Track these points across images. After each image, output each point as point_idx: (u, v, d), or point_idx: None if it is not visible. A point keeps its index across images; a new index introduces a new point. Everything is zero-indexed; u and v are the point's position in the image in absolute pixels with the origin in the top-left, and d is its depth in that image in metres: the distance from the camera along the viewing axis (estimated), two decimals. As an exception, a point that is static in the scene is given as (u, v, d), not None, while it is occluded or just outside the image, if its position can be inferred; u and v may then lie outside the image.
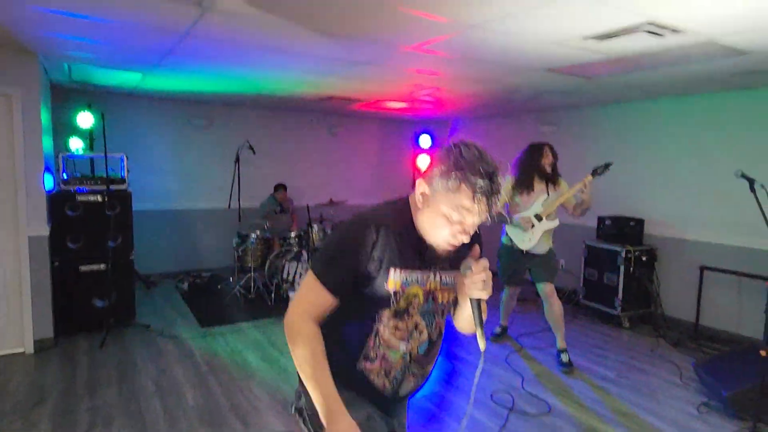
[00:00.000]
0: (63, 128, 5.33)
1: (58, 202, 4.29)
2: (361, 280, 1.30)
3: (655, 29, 2.68)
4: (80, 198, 4.36)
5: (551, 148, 3.98)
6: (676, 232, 5.00)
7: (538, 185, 3.94)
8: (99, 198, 4.43)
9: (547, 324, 4.02)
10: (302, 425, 1.45)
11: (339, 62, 3.81)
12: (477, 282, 1.26)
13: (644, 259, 4.97)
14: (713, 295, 4.67)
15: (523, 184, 3.93)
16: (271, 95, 5.67)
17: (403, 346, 1.37)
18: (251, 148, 6.04)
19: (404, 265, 1.31)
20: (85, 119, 4.98)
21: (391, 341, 1.35)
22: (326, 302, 1.31)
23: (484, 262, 1.27)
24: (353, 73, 4.23)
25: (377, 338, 1.35)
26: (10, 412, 3.08)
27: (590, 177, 3.70)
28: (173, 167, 6.50)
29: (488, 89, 4.84)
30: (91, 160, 5.17)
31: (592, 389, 3.59)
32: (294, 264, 5.40)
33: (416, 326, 1.37)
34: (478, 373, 1.34)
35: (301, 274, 5.42)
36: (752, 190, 3.12)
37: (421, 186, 1.28)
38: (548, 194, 3.92)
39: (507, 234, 4.07)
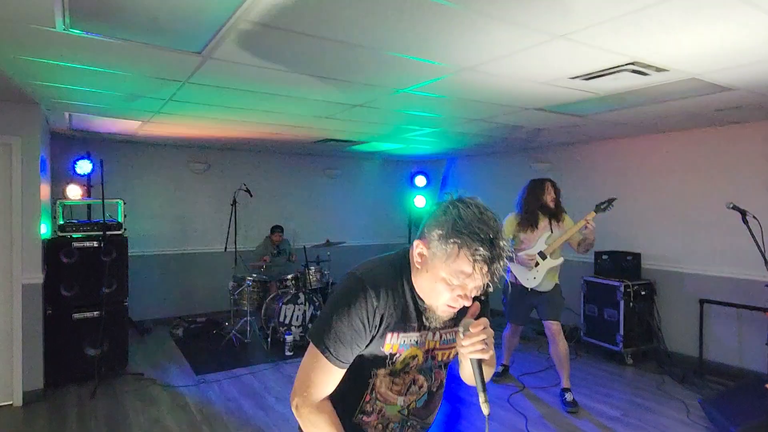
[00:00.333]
0: (61, 175, 5.37)
1: (53, 249, 4.27)
2: (365, 344, 1.26)
3: (639, 68, 2.78)
4: (76, 244, 4.34)
5: (553, 184, 4.00)
6: (674, 266, 5.00)
7: (542, 222, 3.93)
8: (95, 244, 4.41)
9: (549, 362, 3.96)
10: None
11: (334, 105, 3.90)
12: (476, 344, 1.17)
13: (643, 293, 4.94)
14: (715, 329, 4.62)
15: (528, 221, 3.93)
16: (268, 138, 5.76)
17: (400, 401, 1.32)
18: (248, 190, 6.08)
19: (403, 328, 1.26)
20: (84, 167, 5.03)
21: (388, 396, 1.31)
22: (337, 378, 1.25)
23: (484, 322, 1.19)
24: (349, 116, 4.33)
25: (373, 393, 1.30)
26: (-5, 470, 2.95)
27: (593, 213, 3.71)
28: (170, 211, 6.51)
29: (482, 128, 4.95)
30: (89, 205, 5.19)
31: (599, 429, 3.49)
32: (291, 307, 5.33)
33: (414, 381, 1.32)
34: (487, 425, 1.25)
35: (297, 317, 5.35)
36: (744, 221, 3.16)
37: (418, 247, 1.21)
38: (552, 231, 3.91)
39: (511, 271, 4.05)
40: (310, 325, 5.40)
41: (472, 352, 1.17)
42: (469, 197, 1.22)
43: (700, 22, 2.14)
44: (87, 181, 5.32)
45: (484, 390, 1.16)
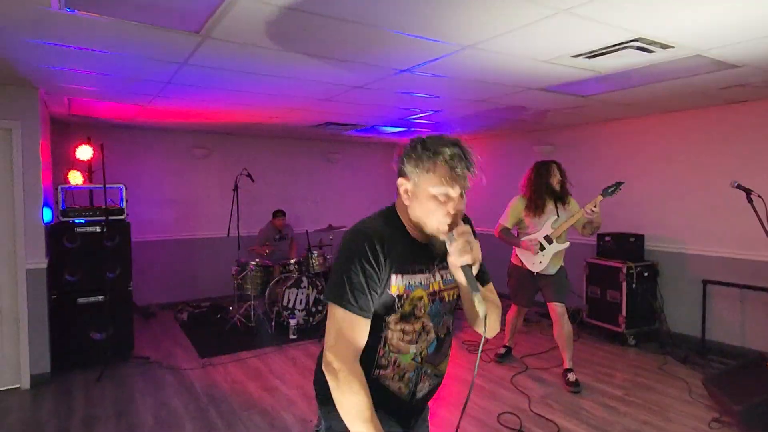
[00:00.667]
0: (62, 160, 5.36)
1: (56, 234, 4.28)
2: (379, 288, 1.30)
3: (644, 45, 2.74)
4: (79, 229, 4.35)
5: (559, 166, 3.95)
6: (677, 247, 4.99)
7: (548, 205, 3.89)
8: (97, 229, 4.42)
9: (552, 344, 3.97)
10: None
11: (334, 87, 3.87)
12: (461, 246, 1.22)
13: (646, 274, 4.94)
14: (717, 309, 4.63)
15: (534, 205, 3.88)
16: (269, 123, 5.73)
17: (412, 349, 1.37)
18: (249, 175, 6.07)
19: (405, 270, 1.32)
20: (85, 152, 5.02)
21: (401, 346, 1.36)
22: (365, 330, 1.28)
23: (463, 227, 1.26)
24: (349, 98, 4.29)
25: (386, 346, 1.35)
26: (5, 450, 3.00)
27: (600, 197, 3.67)
28: (172, 197, 6.51)
29: (484, 110, 4.91)
30: (90, 191, 5.19)
31: (601, 408, 3.52)
32: (294, 291, 5.36)
33: (423, 327, 1.37)
34: (482, 342, 1.30)
35: (301, 301, 5.38)
36: (749, 200, 3.13)
37: (402, 185, 1.32)
38: (558, 214, 3.88)
39: (517, 255, 4.03)
40: (313, 309, 5.44)
41: (459, 257, 1.22)
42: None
43: (706, -6, 2.10)
44: (88, 167, 5.32)
45: (478, 290, 1.22)
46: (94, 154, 5.06)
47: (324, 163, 7.68)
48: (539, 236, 3.87)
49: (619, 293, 4.90)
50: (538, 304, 4.52)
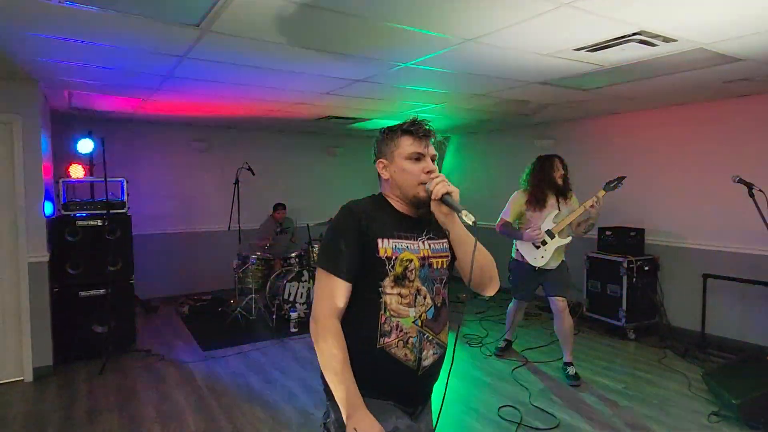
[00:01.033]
0: (63, 154, 5.36)
1: (57, 228, 4.29)
2: (361, 257, 1.43)
3: (647, 38, 2.72)
4: (80, 223, 4.36)
5: (562, 161, 3.92)
6: (677, 241, 4.99)
7: (550, 200, 3.87)
8: (99, 223, 4.43)
9: (552, 338, 3.98)
10: None
11: (335, 81, 3.86)
12: (439, 180, 1.41)
13: (646, 268, 4.95)
14: (717, 303, 4.63)
15: (535, 199, 3.86)
16: (270, 116, 5.72)
17: (412, 312, 1.46)
18: (250, 169, 6.07)
19: (390, 235, 1.46)
20: (86, 145, 5.01)
21: (400, 309, 1.44)
22: (344, 291, 1.42)
23: (439, 174, 1.45)
24: (350, 92, 4.28)
25: (387, 311, 1.43)
26: (9, 442, 3.02)
27: (603, 192, 3.65)
28: (173, 190, 6.52)
29: (485, 104, 4.89)
30: (91, 184, 5.19)
31: (601, 402, 3.54)
32: (295, 284, 5.37)
33: (418, 291, 1.47)
34: (474, 252, 1.43)
35: (302, 294, 5.40)
36: (751, 194, 3.13)
37: (379, 165, 1.55)
38: (559, 209, 3.87)
39: (518, 250, 4.03)
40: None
41: (438, 189, 1.40)
42: None
43: (710, -13, 2.09)
44: (89, 160, 5.32)
45: (461, 209, 1.38)
46: (94, 148, 5.05)
47: (325, 157, 7.67)
48: (540, 231, 3.86)
49: (620, 287, 4.91)
50: (539, 298, 4.53)
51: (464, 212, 1.36)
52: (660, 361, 4.28)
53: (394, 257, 1.43)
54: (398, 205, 1.52)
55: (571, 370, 3.88)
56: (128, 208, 4.70)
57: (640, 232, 5.13)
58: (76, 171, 5.05)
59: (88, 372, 4.08)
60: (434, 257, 1.51)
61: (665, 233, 5.09)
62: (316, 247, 5.72)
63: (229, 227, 6.09)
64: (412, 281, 1.46)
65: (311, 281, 5.42)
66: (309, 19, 2.46)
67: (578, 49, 2.97)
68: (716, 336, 4.61)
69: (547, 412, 3.36)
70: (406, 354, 1.44)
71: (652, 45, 2.85)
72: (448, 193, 1.40)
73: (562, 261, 3.96)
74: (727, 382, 3.35)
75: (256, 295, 5.62)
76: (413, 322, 1.45)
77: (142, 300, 5.83)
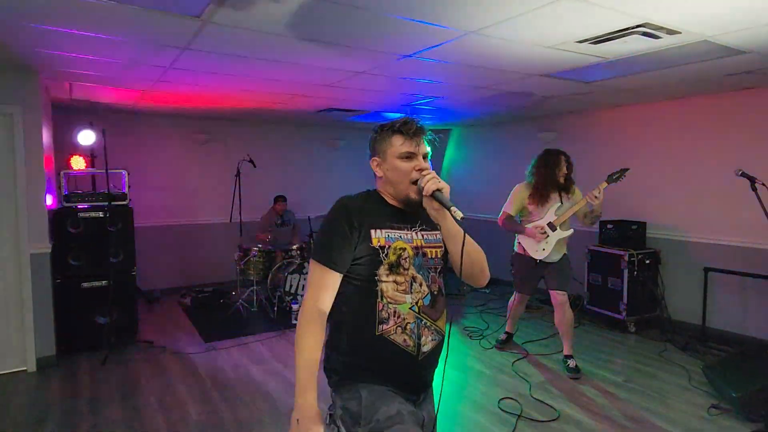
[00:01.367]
0: (64, 146, 5.36)
1: (59, 219, 4.30)
2: (354, 248, 1.47)
3: (650, 30, 2.70)
4: (81, 214, 4.37)
5: (567, 159, 3.88)
6: (679, 234, 4.99)
7: (552, 194, 3.86)
8: (100, 214, 4.43)
9: (553, 331, 3.99)
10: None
11: (337, 72, 3.84)
12: (430, 177, 1.45)
13: (648, 262, 4.95)
14: (718, 297, 4.64)
15: (539, 194, 3.85)
16: (270, 108, 5.70)
17: (408, 298, 1.50)
18: (251, 161, 6.07)
19: (383, 226, 1.52)
20: (87, 137, 5.01)
21: (396, 296, 1.49)
22: (332, 281, 1.48)
23: (431, 171, 1.50)
24: (352, 84, 4.26)
25: (383, 298, 1.48)
26: (13, 431, 3.04)
27: (605, 184, 3.63)
28: (174, 182, 6.52)
29: (487, 96, 4.87)
30: (93, 176, 5.19)
31: (601, 394, 3.55)
32: (296, 276, 5.38)
33: (414, 279, 1.52)
34: (462, 246, 1.48)
35: (303, 286, 5.41)
36: (753, 188, 3.12)
37: (373, 163, 1.60)
38: (561, 202, 3.86)
39: (520, 243, 4.03)
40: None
41: (431, 185, 1.44)
42: None
43: (715, -21, 2.07)
44: (90, 152, 5.31)
45: (451, 204, 1.43)
46: (95, 139, 5.05)
47: (326, 149, 7.66)
48: (542, 224, 3.86)
49: (621, 280, 4.91)
50: (539, 291, 4.53)
51: (453, 208, 1.42)
52: (660, 355, 4.29)
53: (387, 246, 1.49)
54: (391, 201, 1.58)
55: (572, 363, 3.90)
56: (130, 200, 4.71)
57: (642, 225, 5.13)
58: (78, 162, 5.05)
59: (90, 363, 4.11)
60: (428, 247, 1.56)
61: (667, 227, 5.09)
62: (317, 239, 5.73)
63: (231, 219, 6.10)
64: (407, 269, 1.50)
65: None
66: (311, 10, 2.44)
67: (581, 42, 2.95)
68: (717, 329, 4.62)
69: (547, 405, 3.38)
70: (405, 340, 1.48)
71: (656, 37, 2.83)
72: (438, 190, 1.44)
73: (564, 254, 3.96)
74: (727, 376, 3.36)
75: (257, 287, 5.64)
76: (410, 308, 1.49)
77: (143, 291, 5.86)
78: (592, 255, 5.26)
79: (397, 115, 6.19)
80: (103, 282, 4.41)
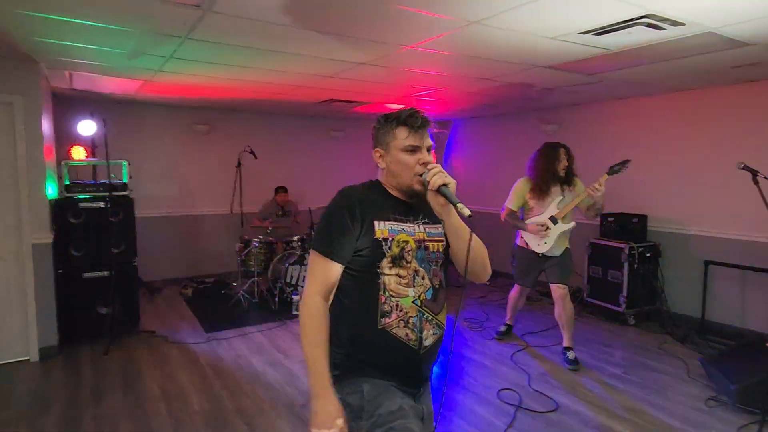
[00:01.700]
0: (65, 136, 5.35)
1: (60, 210, 4.30)
2: (356, 239, 1.46)
3: (654, 22, 2.68)
4: (83, 205, 4.37)
5: (567, 151, 3.86)
6: (680, 228, 4.99)
7: (554, 187, 3.85)
8: (102, 205, 4.44)
9: (553, 323, 4.00)
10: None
11: (338, 63, 3.82)
12: (436, 171, 1.42)
13: (648, 255, 4.95)
14: (718, 290, 4.64)
15: (539, 188, 3.84)
16: (272, 99, 5.68)
17: (411, 292, 1.49)
18: (252, 152, 6.05)
19: (386, 218, 1.50)
20: (87, 127, 5.00)
21: (399, 289, 1.48)
22: (333, 272, 1.47)
23: (436, 165, 1.46)
24: (353, 75, 4.24)
25: (386, 291, 1.47)
26: (16, 420, 3.07)
27: (606, 176, 3.62)
28: (175, 173, 6.51)
29: (489, 88, 4.84)
30: (93, 167, 5.19)
31: (600, 386, 3.57)
32: (297, 267, 5.39)
33: (416, 272, 1.50)
34: (469, 245, 1.46)
35: (304, 278, 5.42)
36: (755, 182, 3.10)
37: (376, 154, 1.57)
38: (563, 195, 3.85)
39: (522, 236, 4.03)
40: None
41: (437, 180, 1.41)
42: None
43: (720, -31, 2.05)
44: (91, 142, 5.30)
45: (458, 201, 1.41)
46: (96, 129, 5.04)
47: (327, 140, 7.64)
48: (544, 218, 3.85)
49: (621, 273, 4.92)
50: (540, 283, 4.54)
51: (460, 205, 1.39)
52: (659, 347, 4.31)
53: (390, 238, 1.47)
54: (394, 192, 1.56)
55: (571, 355, 3.91)
56: (131, 190, 4.71)
57: (643, 218, 5.12)
58: (78, 153, 5.04)
59: (93, 352, 4.14)
60: (430, 240, 1.55)
61: (667, 220, 5.08)
62: (319, 230, 5.73)
63: (231, 210, 6.10)
64: (410, 262, 1.49)
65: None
66: (313, 0, 2.42)
67: (584, 33, 2.93)
68: (716, 323, 4.63)
69: (547, 396, 3.40)
70: (407, 333, 1.47)
71: (660, 29, 2.81)
72: (445, 185, 1.42)
73: (567, 248, 3.95)
74: (725, 368, 3.37)
75: (258, 278, 5.66)
76: (413, 301, 1.48)
77: (145, 282, 5.88)
78: (592, 248, 5.27)
79: (399, 106, 6.16)
80: (105, 272, 4.42)
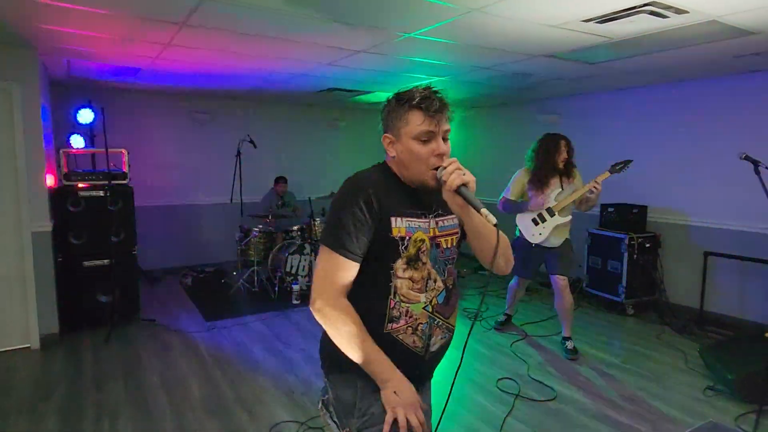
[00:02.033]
0: (63, 124, 5.32)
1: (60, 198, 4.30)
2: (372, 236, 1.32)
3: (657, 9, 2.65)
4: (82, 193, 4.36)
5: (567, 143, 3.81)
6: (680, 218, 4.98)
7: (553, 179, 3.82)
8: (101, 193, 4.42)
9: (552, 313, 4.01)
10: (329, 420, 1.45)
11: (338, 51, 3.79)
12: (452, 172, 1.26)
13: (648, 245, 4.95)
14: (717, 281, 4.65)
15: (538, 179, 3.81)
16: (271, 88, 5.65)
17: (423, 298, 1.38)
18: (252, 141, 6.03)
19: (403, 213, 1.35)
20: (86, 116, 4.97)
21: (411, 295, 1.36)
22: (351, 273, 1.32)
23: (452, 159, 1.30)
24: (353, 63, 4.21)
25: (396, 296, 1.35)
26: (17, 407, 3.09)
27: (607, 174, 3.60)
28: (174, 162, 6.49)
29: (489, 77, 4.81)
30: (93, 155, 5.17)
31: (598, 375, 3.59)
32: (297, 257, 5.40)
33: (429, 275, 1.38)
34: (496, 249, 1.31)
35: (303, 267, 5.43)
36: (757, 172, 3.09)
37: (386, 139, 1.38)
38: (562, 187, 3.83)
39: (517, 226, 4.02)
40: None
41: (455, 179, 1.25)
42: None
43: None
44: (89, 131, 5.28)
45: (481, 205, 1.24)
46: (95, 118, 5.01)
47: (327, 130, 7.61)
48: (542, 209, 3.84)
49: (620, 263, 4.92)
50: (539, 274, 4.54)
51: (484, 211, 1.22)
52: (658, 337, 4.33)
53: (407, 237, 1.33)
54: (407, 181, 1.40)
55: (569, 344, 3.93)
56: (130, 179, 4.69)
57: (643, 209, 5.12)
58: (77, 141, 5.02)
59: (93, 340, 4.15)
60: (442, 236, 1.41)
61: (667, 210, 5.08)
62: (318, 220, 5.73)
63: (231, 200, 6.09)
64: (425, 263, 1.36)
65: (312, 254, 5.45)
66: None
67: (586, 21, 2.90)
68: (715, 313, 4.64)
69: (545, 385, 3.42)
70: (414, 341, 1.38)
71: (663, 17, 2.78)
72: (464, 184, 1.25)
73: (567, 239, 3.94)
74: (723, 358, 3.38)
75: (258, 268, 5.66)
76: (424, 307, 1.38)
77: (145, 271, 5.88)
78: (592, 238, 5.27)
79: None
80: (105, 261, 4.43)
